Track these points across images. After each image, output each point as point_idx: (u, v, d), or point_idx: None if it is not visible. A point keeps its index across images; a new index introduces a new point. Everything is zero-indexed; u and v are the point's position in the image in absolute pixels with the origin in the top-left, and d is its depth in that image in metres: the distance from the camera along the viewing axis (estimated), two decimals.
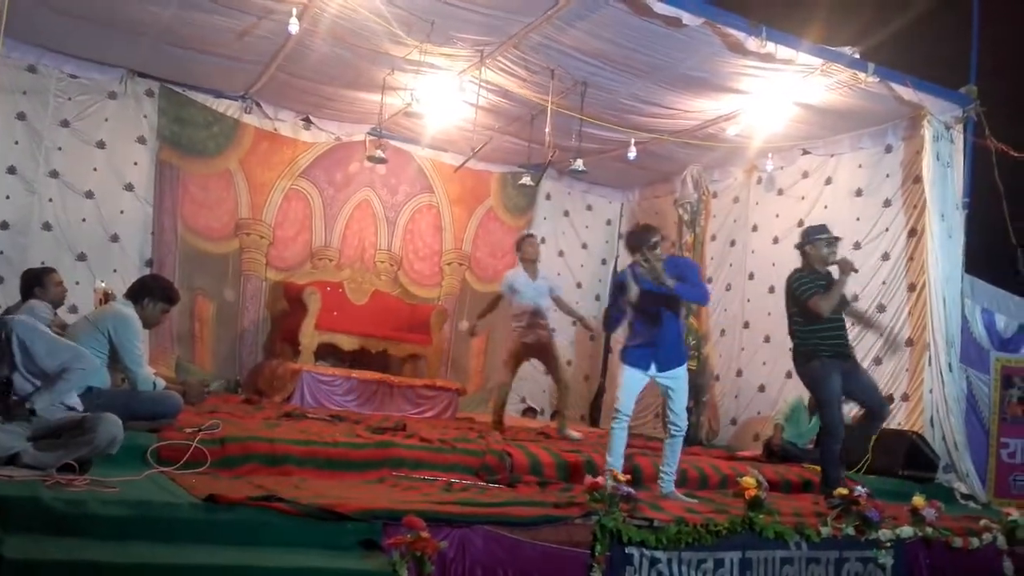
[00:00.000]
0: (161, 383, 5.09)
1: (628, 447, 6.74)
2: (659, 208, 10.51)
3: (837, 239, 6.04)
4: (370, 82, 7.93)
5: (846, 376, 5.80)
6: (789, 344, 8.40)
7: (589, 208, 11.06)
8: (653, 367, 5.22)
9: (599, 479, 4.27)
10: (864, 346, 7.79)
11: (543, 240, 10.67)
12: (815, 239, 5.99)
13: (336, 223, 9.55)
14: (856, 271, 5.90)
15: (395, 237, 9.87)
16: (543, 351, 7.54)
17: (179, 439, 4.47)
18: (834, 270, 5.89)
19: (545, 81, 7.29)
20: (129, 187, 8.49)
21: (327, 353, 8.58)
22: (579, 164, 7.91)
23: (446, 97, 7.87)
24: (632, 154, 8.37)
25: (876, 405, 6.01)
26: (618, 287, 5.43)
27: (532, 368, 10.42)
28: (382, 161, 8.70)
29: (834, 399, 5.75)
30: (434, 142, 9.57)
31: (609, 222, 11.17)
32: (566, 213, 10.90)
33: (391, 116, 8.56)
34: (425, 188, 10.02)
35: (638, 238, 5.26)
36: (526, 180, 9.29)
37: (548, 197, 10.78)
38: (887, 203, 7.88)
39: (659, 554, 4.09)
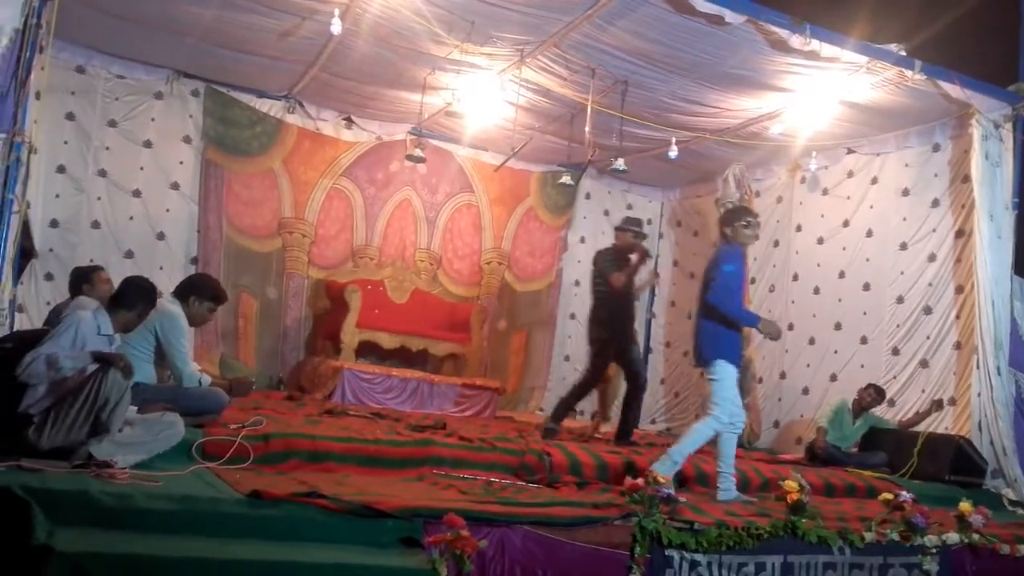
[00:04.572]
0: (207, 379, 5.16)
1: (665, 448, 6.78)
2: (700, 207, 10.44)
3: (644, 235, 7.33)
4: (411, 82, 7.97)
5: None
6: (834, 347, 8.43)
7: (629, 207, 10.99)
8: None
9: (639, 480, 4.25)
10: (911, 347, 7.70)
11: (583, 240, 10.69)
12: (626, 228, 7.16)
13: (377, 222, 9.62)
14: (648, 259, 7.24)
15: (435, 236, 9.91)
16: None
17: (223, 435, 4.53)
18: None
19: (585, 80, 7.27)
20: (175, 186, 8.63)
21: (368, 351, 8.65)
22: (620, 163, 7.88)
23: (486, 96, 7.89)
24: (673, 153, 8.32)
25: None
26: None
27: (573, 370, 10.45)
28: (421, 160, 8.74)
29: (639, 356, 7.17)
30: (474, 141, 9.59)
31: (650, 221, 11.05)
32: (606, 212, 10.86)
33: (432, 116, 8.60)
34: (465, 187, 10.05)
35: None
36: (566, 179, 9.28)
37: (588, 196, 10.76)
38: (935, 203, 7.75)
39: (699, 557, 4.05)
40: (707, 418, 5.14)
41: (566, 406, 7.23)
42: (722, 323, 5.19)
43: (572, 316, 10.57)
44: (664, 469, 4.90)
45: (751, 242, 5.45)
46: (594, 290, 7.17)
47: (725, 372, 5.16)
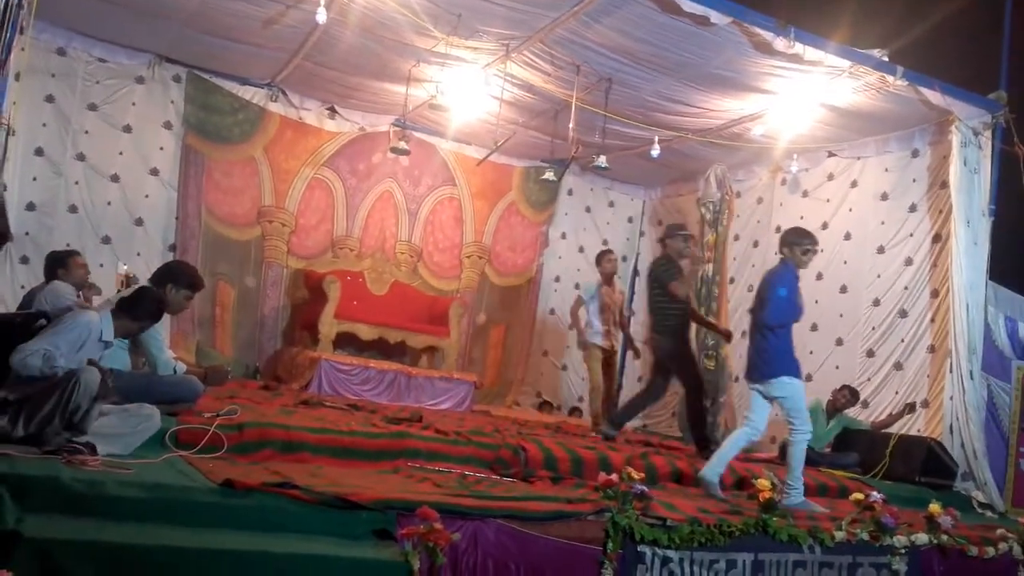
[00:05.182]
0: (182, 367, 5.13)
1: (646, 446, 6.82)
2: (682, 206, 10.47)
3: (691, 236, 7.29)
4: (395, 73, 7.94)
5: None
6: (810, 348, 8.48)
7: (611, 205, 11.04)
8: None
9: (613, 476, 4.27)
10: (886, 350, 7.76)
11: (564, 235, 10.70)
12: (675, 234, 7.11)
13: (358, 213, 9.58)
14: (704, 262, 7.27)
15: (416, 228, 9.89)
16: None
17: (197, 423, 4.50)
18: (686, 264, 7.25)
19: (570, 76, 7.28)
20: (154, 172, 8.56)
21: (345, 342, 8.61)
22: (602, 160, 7.90)
23: (471, 90, 7.88)
24: (656, 152, 8.34)
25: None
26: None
27: (551, 364, 10.47)
28: (405, 152, 8.72)
29: (695, 361, 7.18)
30: (458, 135, 9.57)
31: (631, 219, 11.14)
32: (588, 209, 10.89)
33: (415, 108, 8.58)
34: (447, 180, 10.03)
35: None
36: (548, 175, 9.28)
37: (570, 193, 10.77)
38: (912, 208, 7.81)
39: (671, 553, 4.08)
40: (792, 435, 5.39)
41: (627, 416, 7.40)
42: (778, 341, 5.36)
43: (551, 311, 10.59)
44: (795, 501, 5.24)
45: (804, 267, 5.61)
46: (652, 300, 7.13)
47: (792, 387, 5.33)
